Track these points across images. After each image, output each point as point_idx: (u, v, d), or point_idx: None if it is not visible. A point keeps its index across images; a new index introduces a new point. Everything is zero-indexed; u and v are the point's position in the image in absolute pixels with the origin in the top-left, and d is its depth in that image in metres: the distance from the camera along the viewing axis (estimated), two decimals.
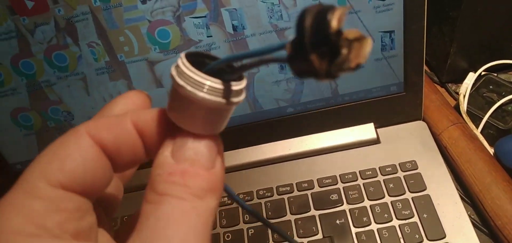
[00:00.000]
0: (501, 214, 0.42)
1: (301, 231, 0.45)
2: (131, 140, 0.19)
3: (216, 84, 0.18)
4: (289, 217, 0.46)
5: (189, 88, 0.17)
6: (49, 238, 0.16)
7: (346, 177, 0.48)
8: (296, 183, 0.49)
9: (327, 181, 0.48)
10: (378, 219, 0.44)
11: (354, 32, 0.15)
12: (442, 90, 0.59)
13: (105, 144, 0.18)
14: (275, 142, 0.52)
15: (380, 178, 0.48)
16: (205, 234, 0.17)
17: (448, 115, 0.50)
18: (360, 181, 0.48)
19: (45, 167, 0.17)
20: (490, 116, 0.51)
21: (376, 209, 0.45)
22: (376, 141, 0.51)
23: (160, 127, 0.19)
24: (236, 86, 0.18)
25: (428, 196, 0.45)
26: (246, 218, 0.47)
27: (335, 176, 0.49)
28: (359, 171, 0.48)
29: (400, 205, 0.45)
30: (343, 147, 0.51)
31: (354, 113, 0.51)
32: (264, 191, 0.49)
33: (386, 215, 0.44)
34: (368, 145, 0.51)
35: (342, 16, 0.14)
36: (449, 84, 0.59)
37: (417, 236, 0.43)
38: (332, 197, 0.47)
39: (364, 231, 0.44)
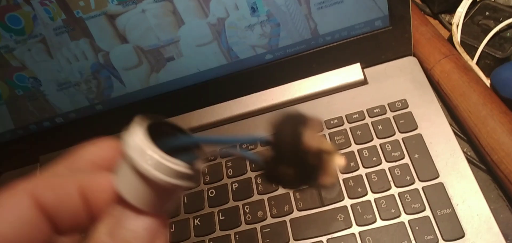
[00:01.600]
0: (497, 148, 0.39)
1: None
2: (74, 205, 0.18)
3: (170, 163, 0.17)
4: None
5: (138, 161, 0.17)
6: None
7: (332, 122, 0.45)
8: None
9: None
10: (366, 163, 0.42)
11: (328, 145, 0.16)
12: (435, 22, 0.55)
13: (45, 204, 0.17)
14: (256, 93, 0.49)
15: (368, 120, 0.44)
16: None
17: (440, 48, 0.46)
18: (347, 126, 0.45)
19: None
20: (487, 44, 0.47)
21: (364, 153, 0.42)
22: (363, 82, 0.48)
23: (107, 195, 0.18)
24: (191, 169, 0.18)
25: (419, 135, 0.42)
26: (230, 172, 0.45)
27: (320, 122, 0.46)
28: (346, 115, 0.45)
29: (390, 147, 0.42)
30: (329, 92, 0.48)
31: (338, 54, 0.48)
32: (247, 145, 0.46)
33: (374, 159, 0.42)
34: (355, 87, 0.48)
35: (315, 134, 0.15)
36: (442, 15, 0.55)
37: (408, 178, 0.40)
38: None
39: (351, 176, 0.41)
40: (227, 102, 0.49)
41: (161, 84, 0.47)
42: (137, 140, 0.17)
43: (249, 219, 0.41)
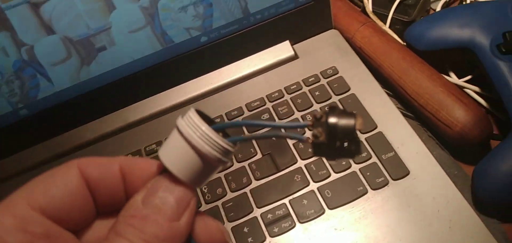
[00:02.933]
0: (422, 92, 0.44)
1: (239, 156, 0.43)
2: (114, 181, 0.21)
3: (219, 140, 0.20)
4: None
5: (195, 137, 0.20)
6: None
7: (273, 95, 0.47)
8: (225, 113, 0.46)
9: (255, 103, 0.47)
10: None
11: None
12: None
13: (89, 178, 0.20)
14: (195, 79, 0.49)
15: (305, 89, 0.47)
16: None
17: (357, 17, 0.51)
18: (287, 96, 0.47)
19: (31, 189, 0.18)
20: (394, 11, 0.53)
21: (307, 118, 0.44)
22: (294, 57, 0.50)
23: (146, 175, 0.21)
24: (233, 148, 0.21)
25: (353, 95, 0.46)
26: None
27: (262, 97, 0.47)
28: (284, 88, 0.47)
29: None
30: (264, 70, 0.50)
31: (268, 33, 0.50)
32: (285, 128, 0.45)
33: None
34: (288, 62, 0.50)
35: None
36: None
37: None
38: (263, 117, 0.45)
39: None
40: (165, 91, 0.48)
41: (93, 78, 0.44)
42: (193, 118, 0.20)
43: (209, 199, 0.41)
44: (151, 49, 0.45)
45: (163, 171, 0.21)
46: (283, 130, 0.22)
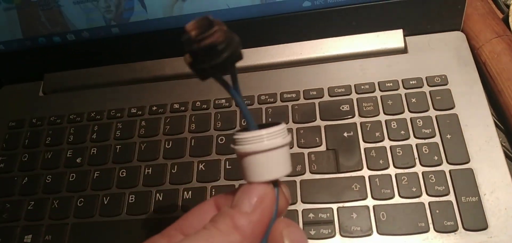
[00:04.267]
0: None
1: (302, 141, 0.44)
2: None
3: (270, 131, 0.25)
4: (291, 125, 0.45)
5: (254, 145, 0.24)
6: None
7: (362, 87, 0.46)
8: (303, 91, 0.47)
9: (339, 90, 0.46)
10: (393, 135, 0.43)
11: None
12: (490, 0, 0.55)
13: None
14: (285, 44, 0.50)
15: (402, 91, 0.45)
16: None
17: (494, 26, 0.47)
18: (378, 93, 0.46)
19: (182, 221, 0.26)
20: None
21: (392, 125, 0.43)
22: (403, 51, 0.48)
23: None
24: (277, 128, 0.25)
25: (455, 115, 0.43)
26: (218, 125, 0.46)
27: (350, 86, 0.47)
28: (378, 82, 0.46)
29: (421, 122, 0.43)
30: (363, 55, 0.49)
31: (381, 15, 0.48)
32: (267, 97, 0.48)
33: (402, 132, 0.43)
34: (393, 54, 0.48)
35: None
36: None
37: (436, 158, 0.41)
38: (342, 107, 0.45)
39: (374, 147, 0.42)
40: (252, 49, 0.50)
41: (185, 15, 0.48)
42: (248, 134, 0.24)
43: None
44: (249, 1, 0.47)
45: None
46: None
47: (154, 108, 0.50)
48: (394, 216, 0.39)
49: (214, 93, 0.49)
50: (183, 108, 0.49)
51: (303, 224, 0.39)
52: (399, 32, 0.49)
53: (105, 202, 0.44)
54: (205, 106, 0.48)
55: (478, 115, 0.43)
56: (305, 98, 0.47)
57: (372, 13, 0.48)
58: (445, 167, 0.40)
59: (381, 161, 0.41)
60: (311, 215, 0.40)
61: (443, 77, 0.45)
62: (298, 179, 0.42)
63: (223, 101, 0.48)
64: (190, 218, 0.26)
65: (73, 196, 0.45)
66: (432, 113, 0.43)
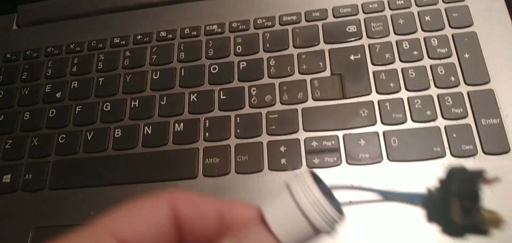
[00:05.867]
0: None
1: (303, 67, 0.42)
2: (208, 223, 0.21)
3: (330, 211, 0.20)
4: (292, 50, 0.43)
5: (307, 203, 0.20)
6: None
7: (371, 6, 0.44)
8: (305, 12, 0.45)
9: (345, 10, 0.44)
10: (405, 56, 0.40)
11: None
12: None
13: (181, 217, 0.20)
14: None
15: (414, 9, 0.43)
16: None
17: None
18: (388, 12, 0.43)
19: (118, 221, 0.19)
20: None
21: (404, 45, 0.41)
22: None
23: (242, 223, 0.21)
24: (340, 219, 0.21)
25: (474, 33, 0.40)
26: (238, 49, 0.44)
27: (356, 5, 0.44)
28: (388, 0, 0.44)
29: (436, 41, 0.40)
30: None
31: None
32: (264, 20, 0.45)
33: (415, 53, 0.40)
34: None
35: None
36: None
37: (452, 79, 0.39)
38: (348, 29, 0.43)
39: (384, 69, 0.40)
40: None
41: None
42: (308, 181, 0.21)
43: (255, 102, 0.41)
44: None
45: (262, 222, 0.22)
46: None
47: (139, 37, 0.47)
48: (407, 141, 0.37)
49: (204, 19, 0.47)
50: (170, 36, 0.46)
51: (306, 152, 0.38)
52: None
53: (89, 138, 0.42)
54: (195, 32, 0.46)
55: (500, 32, 0.40)
56: (307, 21, 0.44)
57: None
58: (463, 88, 0.38)
59: (391, 84, 0.39)
60: (314, 143, 0.38)
61: None
62: (299, 107, 0.40)
63: (215, 27, 0.46)
64: (130, 218, 0.20)
65: (54, 133, 0.43)
66: (448, 31, 0.41)
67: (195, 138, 0.40)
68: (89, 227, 0.19)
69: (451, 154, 0.36)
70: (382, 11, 0.43)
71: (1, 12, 0.53)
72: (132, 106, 0.43)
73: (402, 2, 0.43)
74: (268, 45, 0.44)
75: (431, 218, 0.22)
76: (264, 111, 0.40)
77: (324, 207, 0.21)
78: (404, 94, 0.39)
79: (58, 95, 0.45)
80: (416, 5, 0.43)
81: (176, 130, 0.41)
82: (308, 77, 0.41)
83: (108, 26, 0.49)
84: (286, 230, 0.21)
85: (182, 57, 0.45)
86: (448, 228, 0.22)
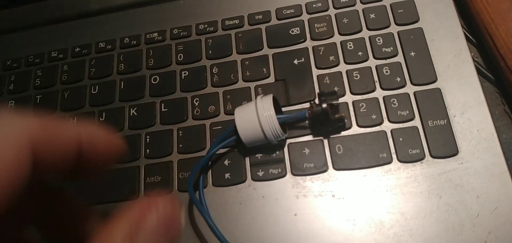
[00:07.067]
0: None
1: (247, 74, 0.41)
2: (67, 149, 0.21)
3: (278, 126, 0.35)
4: (235, 56, 0.42)
5: (264, 116, 0.35)
6: None
7: (314, 6, 0.43)
8: (248, 15, 0.44)
9: (288, 11, 0.43)
10: (349, 58, 0.40)
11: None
12: None
13: (37, 145, 0.19)
14: None
15: (359, 7, 0.42)
16: None
17: None
18: (332, 11, 0.43)
19: None
20: None
21: (348, 46, 0.40)
22: None
23: (103, 150, 0.23)
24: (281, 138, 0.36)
25: (420, 29, 0.40)
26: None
27: (300, 5, 0.43)
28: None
29: (381, 40, 0.40)
30: None
31: None
32: (206, 25, 0.44)
33: (360, 54, 0.40)
34: None
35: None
36: None
37: (398, 79, 0.38)
38: (292, 31, 0.42)
39: (328, 72, 0.40)
40: None
41: None
42: (267, 100, 0.35)
43: (198, 114, 0.40)
44: None
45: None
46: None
47: (77, 49, 0.46)
48: (352, 148, 0.36)
49: (145, 26, 0.46)
50: (109, 46, 0.45)
51: (250, 165, 0.37)
52: None
53: None
54: (135, 42, 0.45)
55: (446, 27, 0.40)
56: (250, 24, 0.43)
57: None
58: (409, 89, 0.38)
59: (336, 88, 0.39)
60: (258, 155, 0.37)
61: None
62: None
63: (156, 34, 0.45)
64: None
65: None
66: (393, 29, 0.41)
67: (136, 155, 0.40)
68: None
69: (398, 160, 0.36)
70: (326, 10, 0.43)
71: None
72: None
73: (347, 0, 0.43)
74: (210, 52, 0.43)
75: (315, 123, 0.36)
76: (208, 122, 0.40)
77: (274, 124, 0.34)
78: (349, 98, 0.38)
79: None
80: (361, 2, 0.42)
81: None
82: (252, 84, 0.40)
83: (47, 39, 0.48)
84: (246, 134, 0.35)
85: (122, 69, 0.44)
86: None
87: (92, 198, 0.39)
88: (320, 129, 0.37)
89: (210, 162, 0.38)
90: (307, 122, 0.38)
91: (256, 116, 0.35)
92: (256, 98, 0.36)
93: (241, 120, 0.35)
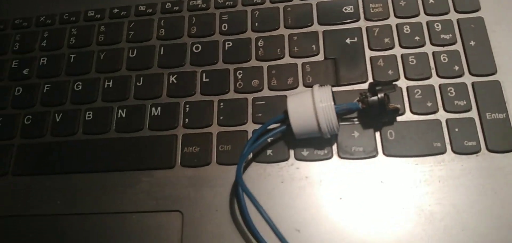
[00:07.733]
0: None
1: (295, 49, 0.40)
2: None
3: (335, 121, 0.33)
4: (282, 31, 0.41)
5: (320, 105, 0.33)
6: None
7: None
8: None
9: None
10: (405, 41, 0.38)
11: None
12: None
13: None
14: None
15: None
16: None
17: None
18: None
19: None
20: None
21: (405, 29, 0.39)
22: None
23: None
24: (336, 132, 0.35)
25: (480, 19, 0.39)
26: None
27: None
28: None
29: (439, 26, 0.39)
30: None
31: None
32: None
33: (417, 38, 0.38)
34: None
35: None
36: None
37: (456, 68, 0.37)
38: (345, 9, 0.41)
39: (382, 55, 0.38)
40: None
41: None
42: (325, 90, 0.33)
43: (240, 87, 0.39)
44: None
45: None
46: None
47: (116, 11, 0.45)
48: (404, 135, 0.35)
49: None
50: (150, 10, 0.44)
51: (295, 143, 0.36)
52: None
53: (57, 120, 0.40)
54: (177, 8, 0.44)
55: (509, 19, 0.39)
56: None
57: None
58: (467, 79, 0.37)
59: (390, 72, 0.38)
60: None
61: None
62: (289, 93, 0.38)
63: (199, 2, 0.44)
64: None
65: (20, 114, 0.41)
66: (453, 16, 0.39)
67: (173, 124, 0.39)
68: None
69: (452, 151, 0.34)
70: None
71: None
72: (106, 86, 0.41)
73: None
74: (257, 24, 0.42)
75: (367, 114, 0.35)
76: (250, 96, 0.39)
77: (332, 117, 0.33)
78: (403, 83, 0.37)
79: (25, 72, 0.43)
80: None
81: (153, 114, 0.39)
82: (299, 61, 0.39)
83: None
84: (298, 119, 0.33)
85: (162, 34, 0.43)
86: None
87: (127, 165, 0.38)
88: (372, 120, 0.36)
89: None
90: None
91: (312, 106, 0.33)
92: (313, 87, 0.34)
93: (295, 107, 0.33)
